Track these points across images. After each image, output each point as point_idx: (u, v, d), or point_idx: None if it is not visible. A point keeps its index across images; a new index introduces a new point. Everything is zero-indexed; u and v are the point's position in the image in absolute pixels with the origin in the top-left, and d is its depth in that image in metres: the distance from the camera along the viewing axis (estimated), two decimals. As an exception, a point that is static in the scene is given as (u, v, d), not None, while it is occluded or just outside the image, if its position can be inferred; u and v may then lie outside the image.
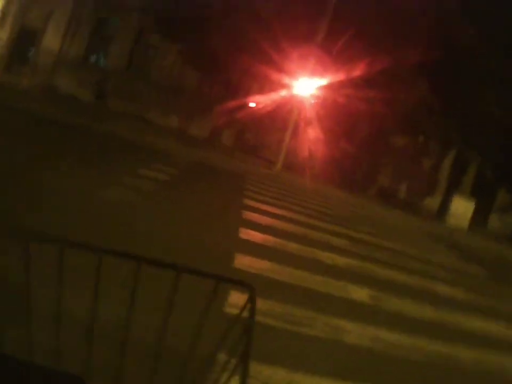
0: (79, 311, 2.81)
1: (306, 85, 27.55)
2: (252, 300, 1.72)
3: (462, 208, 32.37)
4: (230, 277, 1.78)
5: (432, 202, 35.99)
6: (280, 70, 27.17)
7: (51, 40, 32.62)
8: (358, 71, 26.63)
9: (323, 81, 27.58)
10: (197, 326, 1.73)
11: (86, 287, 1.82)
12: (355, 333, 6.67)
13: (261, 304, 6.24)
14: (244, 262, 8.28)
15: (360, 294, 8.66)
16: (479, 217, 34.48)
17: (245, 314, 1.69)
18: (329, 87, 27.81)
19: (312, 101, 29.16)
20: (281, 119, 29.48)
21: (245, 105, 30.62)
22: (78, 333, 2.09)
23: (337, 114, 29.66)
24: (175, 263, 1.69)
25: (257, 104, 30.59)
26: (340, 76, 27.01)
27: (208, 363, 1.79)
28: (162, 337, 1.75)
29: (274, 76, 27.31)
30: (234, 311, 5.14)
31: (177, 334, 2.33)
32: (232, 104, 29.38)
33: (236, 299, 5.68)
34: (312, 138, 30.94)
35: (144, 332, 3.06)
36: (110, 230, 7.79)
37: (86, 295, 1.83)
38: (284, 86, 27.99)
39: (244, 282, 1.78)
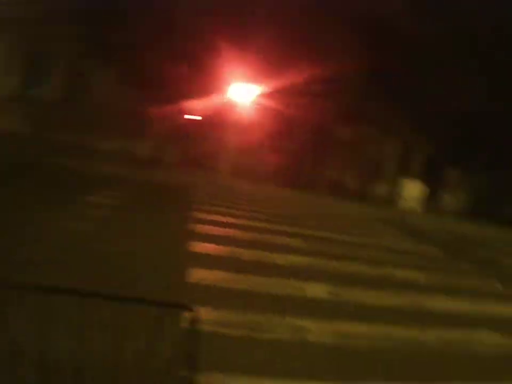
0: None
1: (244, 91, 27.59)
2: (193, 324, 1.74)
3: (412, 191, 32.76)
4: (171, 301, 1.77)
5: (382, 188, 36.27)
6: (217, 78, 27.15)
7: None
8: (293, 70, 26.73)
9: (261, 86, 27.64)
10: (145, 357, 1.71)
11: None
12: (318, 330, 6.64)
13: (221, 314, 6.23)
14: (198, 275, 8.20)
15: (318, 291, 8.65)
16: (430, 198, 34.90)
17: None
18: (267, 90, 27.87)
19: (252, 106, 29.19)
20: (222, 127, 29.47)
21: (185, 118, 30.52)
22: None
23: (278, 116, 29.72)
24: (117, 294, 1.68)
25: (197, 115, 30.52)
26: (276, 78, 27.08)
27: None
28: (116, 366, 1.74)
29: (212, 84, 27.28)
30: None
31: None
32: (172, 119, 29.26)
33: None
34: (255, 143, 30.96)
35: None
36: (66, 259, 7.65)
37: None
38: (222, 94, 28.00)
39: (184, 305, 1.78)
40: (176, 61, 26.46)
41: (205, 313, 5.68)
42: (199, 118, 30.16)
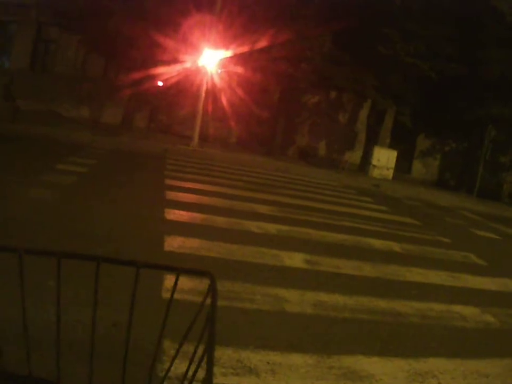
0: (41, 317, 2.78)
1: (212, 57, 27.28)
2: (213, 288, 1.71)
3: (384, 159, 32.75)
4: (189, 268, 1.77)
5: (354, 155, 36.27)
6: (184, 44, 26.80)
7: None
8: (262, 37, 26.50)
9: (228, 51, 27.37)
10: (162, 320, 1.73)
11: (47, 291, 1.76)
12: (295, 300, 6.61)
13: (197, 284, 6.14)
14: (174, 243, 8.14)
15: (295, 259, 8.62)
16: (402, 165, 35.02)
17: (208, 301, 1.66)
18: (235, 56, 27.61)
19: (220, 72, 28.92)
20: (191, 93, 29.16)
21: (153, 85, 30.17)
22: (45, 339, 2.08)
23: (247, 82, 29.49)
24: (134, 260, 1.70)
25: (165, 82, 30.17)
26: (244, 44, 26.85)
27: (174, 355, 1.72)
28: (129, 333, 1.73)
29: (179, 51, 26.92)
30: (193, 299, 5.04)
31: (142, 328, 2.26)
32: (140, 85, 28.91)
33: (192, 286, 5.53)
34: (225, 109, 30.74)
35: (110, 329, 3.02)
36: (35, 228, 7.54)
37: (48, 299, 1.78)
38: (189, 60, 27.66)
39: (203, 271, 1.78)
40: (143, 27, 26.06)
41: (182, 283, 5.59)
42: (168, 84, 29.81)
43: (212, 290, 1.70)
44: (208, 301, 1.67)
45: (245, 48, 26.86)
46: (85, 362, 1.74)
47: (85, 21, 28.29)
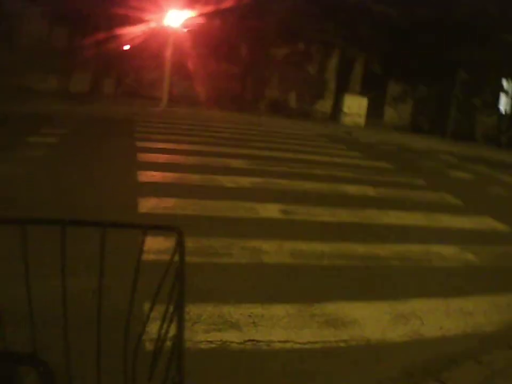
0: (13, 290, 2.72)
1: (177, 16, 26.93)
2: (180, 244, 1.71)
3: (355, 106, 32.73)
4: (156, 224, 1.81)
5: (325, 105, 36.11)
6: (149, 3, 26.43)
7: None
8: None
9: (193, 10, 27.03)
10: (132, 281, 1.74)
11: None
12: (273, 251, 6.56)
13: (173, 242, 6.02)
14: (148, 204, 8.05)
15: (271, 210, 8.57)
16: (374, 112, 34.96)
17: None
18: (200, 14, 27.29)
19: (186, 31, 28.57)
20: (158, 54, 28.83)
21: (119, 49, 29.77)
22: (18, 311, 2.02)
23: (214, 39, 29.20)
24: (100, 220, 1.68)
25: (131, 44, 29.78)
26: (209, 2, 26.56)
27: (147, 315, 1.79)
28: (100, 297, 1.75)
29: (144, 10, 26.54)
30: (161, 257, 4.95)
31: (123, 292, 2.20)
32: (106, 49, 28.52)
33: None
34: (192, 68, 30.46)
35: (83, 294, 2.97)
36: (6, 203, 7.39)
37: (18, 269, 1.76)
38: (155, 20, 27.29)
39: (171, 226, 1.77)
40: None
41: (159, 243, 5.50)
42: (134, 47, 29.44)
43: (180, 246, 1.68)
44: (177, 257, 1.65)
45: (209, 6, 26.56)
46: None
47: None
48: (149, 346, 3.01)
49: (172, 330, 1.58)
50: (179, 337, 1.47)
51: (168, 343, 1.57)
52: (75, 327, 1.65)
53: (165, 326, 1.62)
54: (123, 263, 2.68)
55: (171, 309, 1.57)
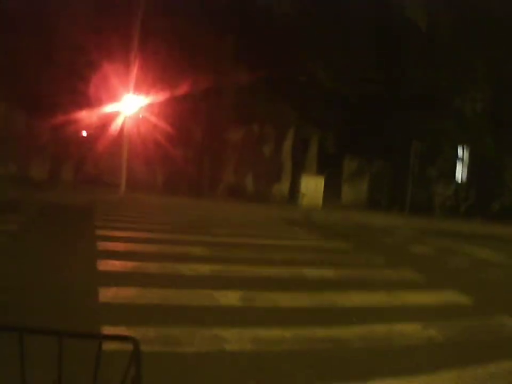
0: None
1: (132, 102, 27.31)
2: (136, 354, 1.70)
3: (312, 187, 32.98)
4: (111, 334, 1.82)
5: (282, 187, 36.29)
6: (104, 91, 26.79)
7: None
8: (179, 78, 26.69)
9: (148, 96, 27.48)
10: None
11: None
12: (234, 339, 6.54)
13: (137, 332, 6.06)
14: (108, 294, 8.00)
15: (230, 298, 8.56)
16: (331, 191, 35.23)
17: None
18: (155, 100, 27.72)
19: (141, 116, 28.92)
20: (115, 141, 29.01)
21: (77, 135, 29.95)
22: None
23: (169, 124, 29.46)
24: (57, 330, 1.69)
25: (88, 131, 30.01)
26: (163, 87, 27.01)
27: None
28: None
29: (100, 98, 26.88)
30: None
31: None
32: (64, 137, 28.67)
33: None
34: (149, 153, 30.65)
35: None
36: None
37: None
38: (111, 106, 27.60)
39: (126, 336, 1.81)
40: (63, 77, 25.97)
41: (121, 332, 5.51)
42: (89, 133, 29.69)
43: (136, 357, 1.69)
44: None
45: (163, 91, 27.02)
46: None
47: (4, 78, 27.89)
48: None
49: None
50: None
51: None
52: None
53: None
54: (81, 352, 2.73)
55: None
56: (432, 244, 18.82)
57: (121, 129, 27.65)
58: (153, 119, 29.33)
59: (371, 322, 7.94)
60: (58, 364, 1.67)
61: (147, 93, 27.40)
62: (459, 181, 38.96)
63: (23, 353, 1.65)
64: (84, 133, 30.15)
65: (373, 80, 30.48)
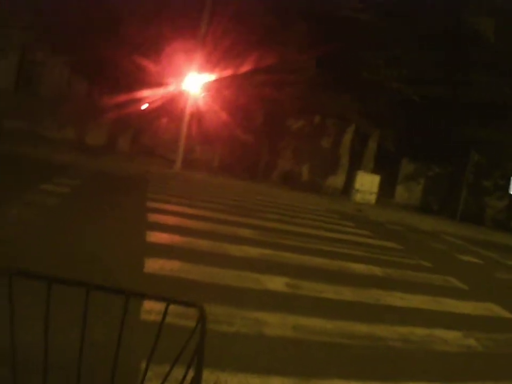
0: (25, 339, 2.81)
1: (195, 80, 27.34)
2: (202, 322, 1.79)
3: (367, 183, 32.78)
4: (180, 299, 1.91)
5: (337, 180, 36.22)
6: (168, 68, 26.89)
7: None
8: (246, 61, 26.63)
9: (212, 75, 27.48)
10: (150, 348, 1.83)
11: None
12: (275, 324, 6.54)
13: (179, 306, 6.02)
14: (154, 265, 8.06)
15: (276, 283, 8.55)
16: (385, 190, 35.03)
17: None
18: (219, 79, 27.72)
19: (203, 96, 28.96)
20: (175, 117, 29.17)
21: (137, 108, 30.15)
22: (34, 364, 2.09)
23: (231, 106, 29.52)
24: (123, 288, 1.78)
25: (149, 105, 30.18)
26: (228, 68, 26.97)
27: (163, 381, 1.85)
28: (117, 358, 1.82)
29: (163, 74, 27.01)
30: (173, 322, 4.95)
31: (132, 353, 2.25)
32: (124, 108, 28.87)
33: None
34: (208, 133, 30.76)
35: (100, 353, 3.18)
36: (19, 250, 7.43)
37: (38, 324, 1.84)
38: (173, 83, 27.70)
39: (193, 303, 1.88)
40: (127, 50, 26.16)
41: (163, 305, 5.50)
42: (151, 107, 29.83)
43: (202, 324, 1.78)
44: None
45: (228, 72, 26.98)
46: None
47: (69, 44, 28.27)
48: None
49: None
50: None
51: None
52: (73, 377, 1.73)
53: None
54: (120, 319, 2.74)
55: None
56: (480, 254, 18.61)
57: (183, 106, 27.73)
58: (215, 98, 29.37)
59: (412, 324, 7.86)
60: (122, 322, 1.77)
61: (211, 72, 27.41)
62: (513, 196, 38.33)
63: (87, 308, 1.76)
64: (144, 106, 30.32)
65: (437, 82, 30.05)
